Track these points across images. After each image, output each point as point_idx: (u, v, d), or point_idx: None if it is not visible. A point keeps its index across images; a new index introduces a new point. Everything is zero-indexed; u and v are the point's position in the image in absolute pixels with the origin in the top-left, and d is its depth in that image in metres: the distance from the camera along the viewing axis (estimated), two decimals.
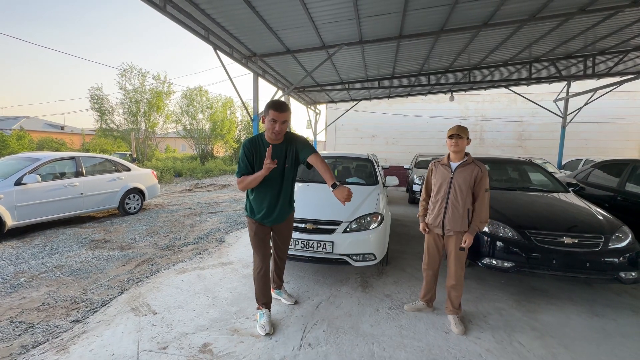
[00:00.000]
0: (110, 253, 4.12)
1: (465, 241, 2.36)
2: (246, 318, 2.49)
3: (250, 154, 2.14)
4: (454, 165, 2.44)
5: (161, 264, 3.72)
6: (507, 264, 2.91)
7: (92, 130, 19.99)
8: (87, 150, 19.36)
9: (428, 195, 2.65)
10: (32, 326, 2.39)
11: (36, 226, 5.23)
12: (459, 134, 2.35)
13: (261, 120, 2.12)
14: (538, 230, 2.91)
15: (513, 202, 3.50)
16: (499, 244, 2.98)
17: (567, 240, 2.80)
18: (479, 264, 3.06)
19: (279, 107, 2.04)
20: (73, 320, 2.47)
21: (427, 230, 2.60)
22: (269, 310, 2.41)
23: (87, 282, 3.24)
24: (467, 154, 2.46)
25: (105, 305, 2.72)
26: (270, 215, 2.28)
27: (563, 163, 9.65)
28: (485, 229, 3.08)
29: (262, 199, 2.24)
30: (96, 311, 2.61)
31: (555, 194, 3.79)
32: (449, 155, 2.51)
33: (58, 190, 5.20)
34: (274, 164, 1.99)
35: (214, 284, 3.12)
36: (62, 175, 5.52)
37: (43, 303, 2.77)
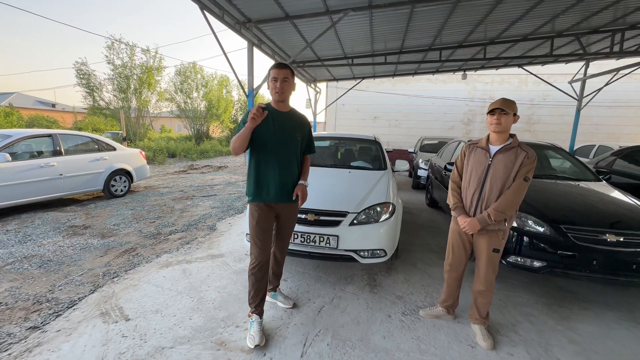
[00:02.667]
0: (89, 241, 3.72)
1: (467, 222, 1.95)
2: (236, 326, 2.11)
3: None
4: (493, 149, 1.96)
5: (143, 255, 3.32)
6: (538, 264, 2.54)
7: (84, 109, 19.15)
8: (80, 129, 18.60)
9: (459, 180, 2.16)
10: None
11: (11, 209, 4.79)
12: (503, 108, 1.85)
13: (267, 87, 2.02)
14: (576, 226, 2.50)
15: (542, 192, 3.08)
16: (528, 240, 2.58)
17: (610, 238, 2.40)
18: (503, 262, 2.68)
19: (278, 65, 1.94)
20: (30, 327, 2.08)
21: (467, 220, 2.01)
22: (261, 318, 2.03)
23: (57, 276, 2.84)
24: (512, 136, 1.97)
25: (71, 307, 2.33)
26: (281, 187, 1.99)
27: (574, 149, 9.20)
28: (513, 222, 2.67)
29: (271, 169, 1.96)
30: (60, 315, 2.22)
31: (586, 183, 3.37)
32: (488, 136, 2.03)
33: (33, 171, 4.72)
34: (261, 114, 1.73)
35: (201, 281, 2.73)
36: (39, 154, 5.03)
37: (1, 303, 2.37)
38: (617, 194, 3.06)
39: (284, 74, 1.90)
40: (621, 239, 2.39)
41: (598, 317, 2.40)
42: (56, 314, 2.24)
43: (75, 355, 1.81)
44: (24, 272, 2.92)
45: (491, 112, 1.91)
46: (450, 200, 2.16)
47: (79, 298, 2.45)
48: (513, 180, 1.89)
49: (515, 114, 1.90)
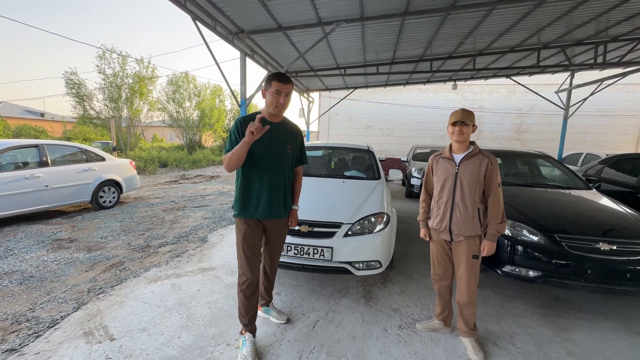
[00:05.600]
0: (74, 255, 3.58)
1: (484, 249, 1.96)
2: (227, 345, 2.02)
3: (243, 130, 1.77)
4: (458, 157, 2.04)
5: (131, 269, 3.21)
6: (533, 273, 2.52)
7: (74, 118, 18.89)
8: (69, 139, 18.33)
9: (429, 195, 2.25)
10: None
11: None
12: (464, 120, 1.93)
13: (262, 95, 1.91)
14: (570, 235, 2.51)
15: (534, 201, 3.10)
16: (523, 249, 2.58)
17: (603, 246, 2.41)
18: (499, 271, 2.66)
19: (283, 78, 1.83)
20: (7, 350, 1.96)
21: (429, 237, 2.21)
22: (254, 336, 1.95)
23: (38, 293, 2.71)
24: (472, 143, 2.05)
25: (53, 326, 2.21)
26: (269, 203, 1.90)
27: (563, 157, 9.39)
28: (507, 232, 2.68)
29: (259, 184, 1.88)
30: (39, 336, 2.11)
31: (577, 192, 3.41)
32: (450, 146, 2.10)
33: (17, 183, 4.58)
34: (261, 129, 1.64)
35: (191, 296, 2.64)
36: (24, 165, 4.89)
37: None
38: (607, 202, 3.09)
39: (288, 89, 1.83)
40: (614, 248, 2.40)
41: (595, 328, 2.38)
42: (36, 334, 2.12)
43: None
44: (3, 289, 2.78)
45: (453, 124, 1.98)
46: (420, 214, 2.27)
47: (61, 317, 2.34)
48: (481, 186, 1.97)
49: (474, 125, 1.99)
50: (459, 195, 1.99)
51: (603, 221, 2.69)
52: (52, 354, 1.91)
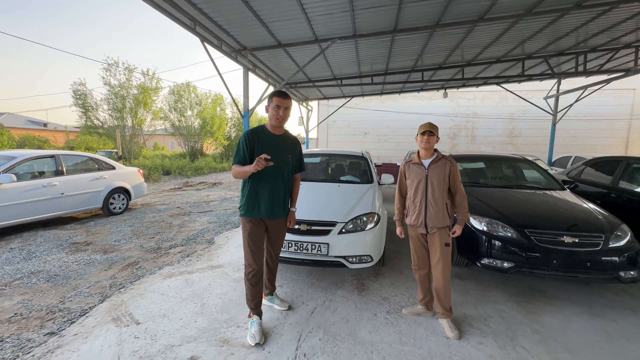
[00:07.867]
0: (92, 257, 3.90)
1: (455, 232, 2.37)
2: (237, 326, 2.34)
3: (252, 143, 2.15)
4: (426, 162, 2.44)
5: (146, 268, 3.53)
6: (507, 265, 2.84)
7: (77, 127, 19.30)
8: (72, 148, 18.72)
9: (402, 197, 2.62)
10: (2, 340, 2.19)
11: (13, 228, 4.94)
12: (432, 130, 2.35)
13: (265, 110, 2.24)
14: (538, 230, 2.84)
15: (510, 200, 3.44)
16: (498, 243, 2.90)
17: (567, 239, 2.73)
18: (478, 264, 2.98)
19: (282, 94, 2.17)
20: (47, 333, 2.28)
21: (403, 235, 2.59)
22: (260, 318, 2.27)
23: (65, 289, 3.03)
24: (435, 150, 2.46)
25: (84, 315, 2.53)
26: (271, 205, 2.22)
27: (553, 160, 9.75)
28: (484, 228, 3.01)
29: (262, 189, 2.20)
30: (74, 322, 2.42)
31: (551, 192, 3.74)
32: (418, 153, 2.50)
33: (36, 190, 4.92)
34: (265, 162, 1.95)
35: (203, 289, 2.96)
36: (41, 174, 5.24)
37: (15, 313, 2.56)
38: (576, 201, 3.43)
39: (286, 104, 2.16)
40: (577, 240, 2.73)
41: (561, 312, 2.69)
42: (70, 321, 2.44)
43: (94, 353, 2.01)
44: (32, 286, 3.09)
45: (422, 133, 2.38)
46: (396, 214, 2.66)
47: (90, 307, 2.65)
48: (447, 185, 2.38)
49: (437, 136, 2.40)
50: (431, 194, 2.37)
51: (569, 217, 3.02)
52: (88, 335, 2.22)
